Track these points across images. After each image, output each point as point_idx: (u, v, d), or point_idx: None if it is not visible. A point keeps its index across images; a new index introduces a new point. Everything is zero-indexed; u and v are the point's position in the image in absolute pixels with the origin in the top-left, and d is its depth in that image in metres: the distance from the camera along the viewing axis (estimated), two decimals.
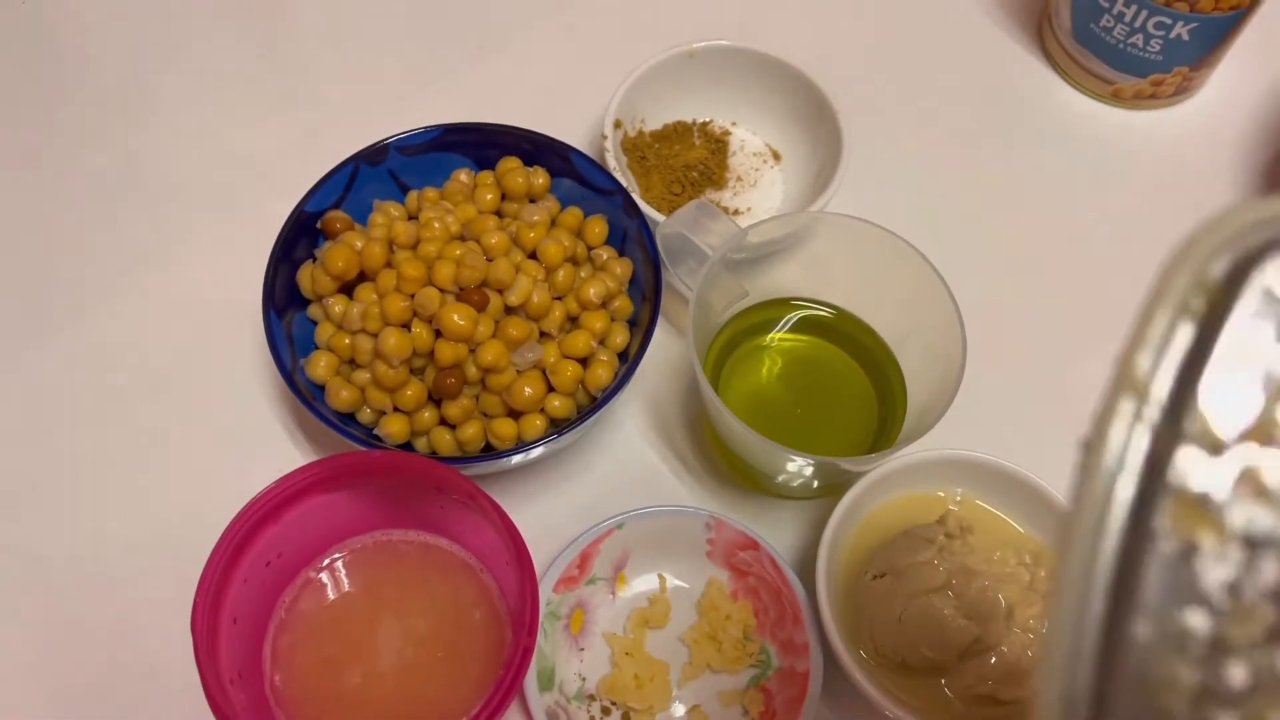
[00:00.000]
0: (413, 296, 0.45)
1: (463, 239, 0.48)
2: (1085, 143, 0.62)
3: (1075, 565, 0.13)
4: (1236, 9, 0.56)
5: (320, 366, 0.46)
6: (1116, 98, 0.63)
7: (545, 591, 0.46)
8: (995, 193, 0.61)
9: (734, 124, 0.60)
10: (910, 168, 0.61)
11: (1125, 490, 0.13)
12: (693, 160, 0.57)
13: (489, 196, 0.50)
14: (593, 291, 0.47)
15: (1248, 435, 0.12)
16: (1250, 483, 0.12)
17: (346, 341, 0.46)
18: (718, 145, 0.58)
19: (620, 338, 0.48)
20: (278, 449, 0.51)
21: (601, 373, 0.47)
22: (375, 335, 0.45)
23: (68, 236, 0.57)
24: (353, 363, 0.47)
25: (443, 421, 0.46)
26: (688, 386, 0.54)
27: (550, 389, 0.47)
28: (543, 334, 0.47)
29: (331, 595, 0.45)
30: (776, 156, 0.59)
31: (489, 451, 0.46)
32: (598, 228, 0.50)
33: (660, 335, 0.54)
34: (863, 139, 0.55)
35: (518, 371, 0.46)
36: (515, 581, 0.42)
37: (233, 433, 0.52)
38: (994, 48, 0.66)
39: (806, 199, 0.55)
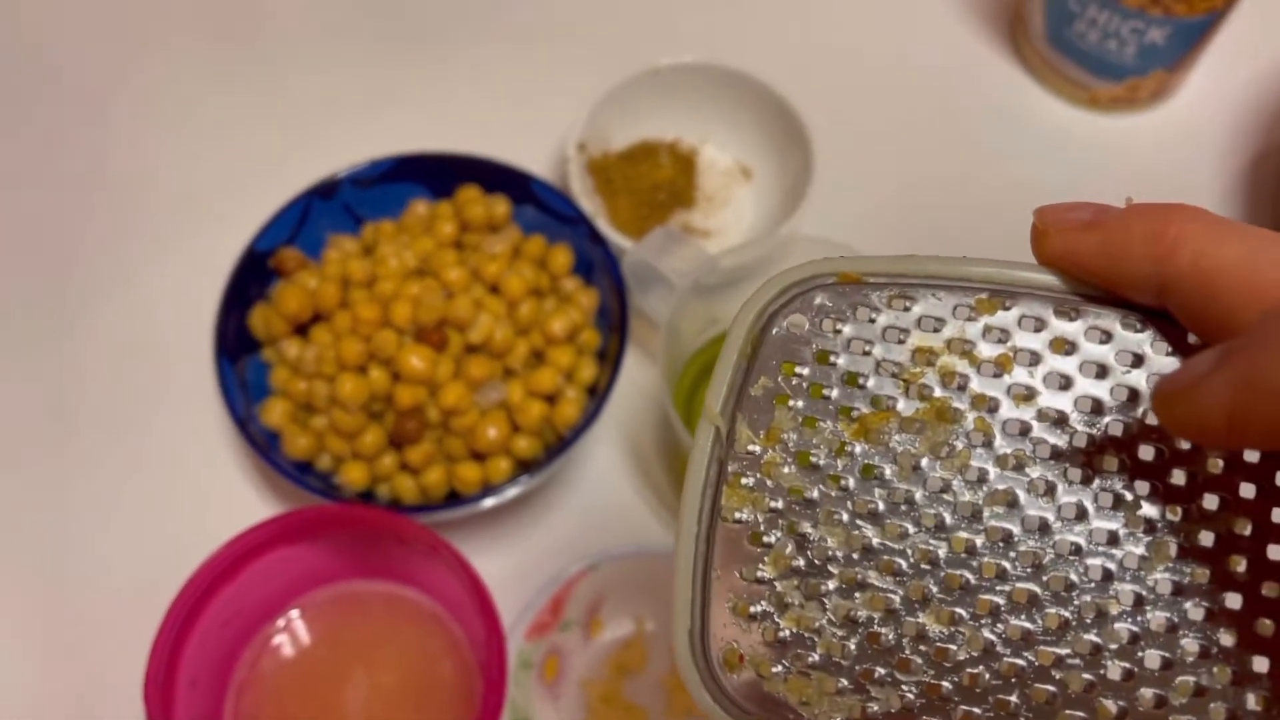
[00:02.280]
0: (369, 339, 0.43)
1: (421, 274, 0.46)
2: (1064, 149, 0.61)
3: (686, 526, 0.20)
4: (1211, 12, 0.54)
5: (276, 413, 0.44)
6: (1093, 103, 0.61)
7: (517, 639, 0.44)
8: (974, 204, 0.59)
9: (703, 142, 0.58)
10: (884, 181, 0.59)
11: (707, 484, 0.20)
12: (661, 180, 0.56)
13: (448, 229, 0.48)
14: (558, 326, 0.46)
15: (766, 438, 0.20)
16: (767, 469, 0.20)
17: (303, 386, 0.44)
18: (686, 164, 0.57)
19: (588, 372, 0.47)
20: (236, 497, 0.49)
21: (569, 410, 0.45)
22: (332, 379, 0.43)
23: (7, 274, 0.55)
24: (309, 408, 0.45)
25: (404, 467, 0.45)
26: (662, 416, 0.53)
27: (516, 429, 0.45)
28: (506, 371, 0.46)
29: (295, 652, 0.44)
30: (746, 174, 0.57)
31: (454, 497, 0.45)
32: (562, 257, 0.48)
33: (631, 362, 0.52)
34: (834, 153, 0.53)
35: (481, 412, 0.44)
36: (483, 633, 0.40)
37: (187, 482, 0.50)
38: (968, 55, 0.64)
39: (779, 216, 0.54)
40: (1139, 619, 0.19)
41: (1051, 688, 0.19)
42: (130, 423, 0.51)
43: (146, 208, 0.57)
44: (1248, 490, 0.19)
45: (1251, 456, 0.19)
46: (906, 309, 0.21)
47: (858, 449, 0.20)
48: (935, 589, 0.20)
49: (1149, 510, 0.19)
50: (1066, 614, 0.19)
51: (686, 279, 0.45)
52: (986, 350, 0.20)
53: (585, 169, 0.54)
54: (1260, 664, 0.18)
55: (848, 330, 0.21)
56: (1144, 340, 0.20)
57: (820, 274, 0.21)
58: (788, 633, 0.20)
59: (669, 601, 0.20)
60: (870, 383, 0.20)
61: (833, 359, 0.21)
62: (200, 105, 0.60)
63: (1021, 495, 0.20)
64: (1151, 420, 0.19)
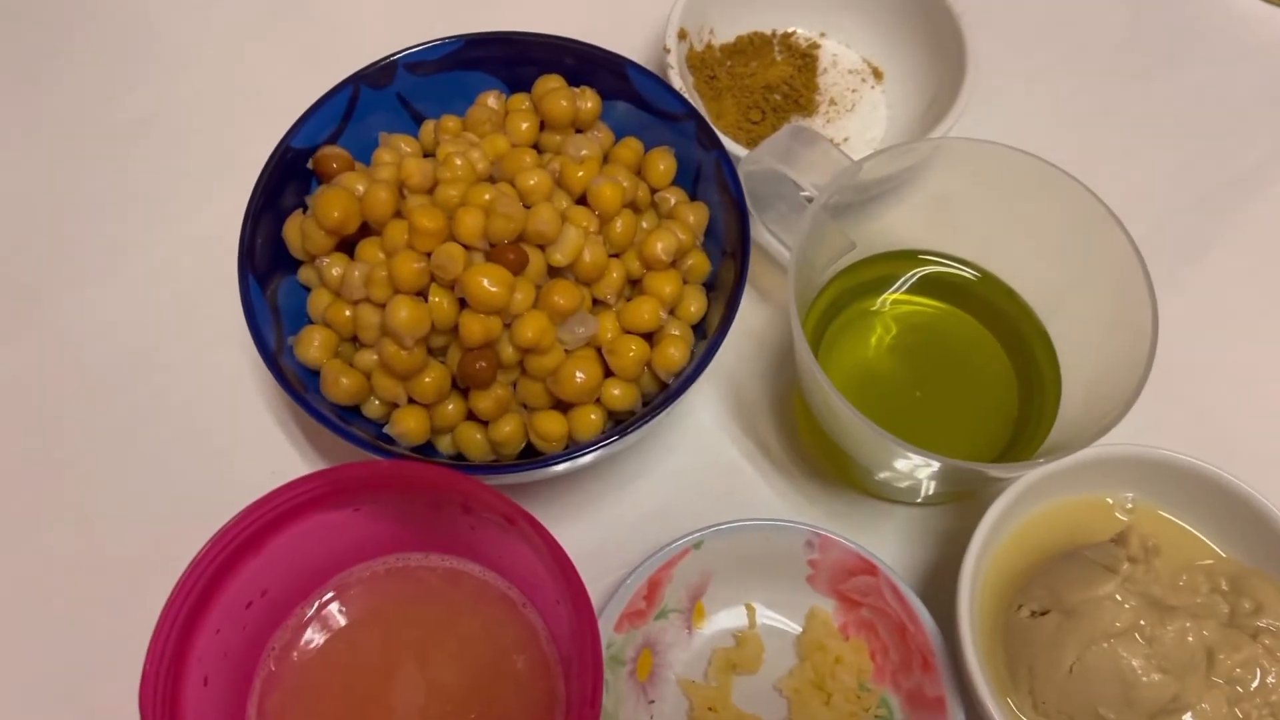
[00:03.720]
0: (430, 255, 0.35)
1: (493, 180, 0.38)
2: (1260, 54, 0.52)
3: None
4: None
5: (313, 347, 0.37)
6: None
7: (605, 631, 0.37)
8: (1155, 118, 0.51)
9: (823, 35, 0.51)
10: (1048, 90, 0.52)
11: None
12: (774, 80, 0.48)
13: (524, 126, 0.41)
14: (660, 246, 0.38)
15: None
16: None
17: (347, 314, 0.37)
18: (804, 61, 0.49)
19: (695, 305, 0.39)
20: (270, 454, 0.42)
21: (673, 352, 0.37)
22: (383, 306, 0.36)
23: (23, 201, 0.47)
24: (355, 341, 0.38)
25: (471, 416, 0.37)
26: (775, 364, 0.44)
27: (608, 373, 0.37)
28: (596, 302, 0.38)
29: (333, 641, 0.36)
30: (877, 75, 0.49)
31: (530, 456, 0.37)
32: (663, 164, 0.41)
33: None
34: (989, 52, 0.45)
35: (566, 351, 0.37)
36: (569, 623, 0.32)
37: (214, 436, 0.42)
38: None
39: (919, 127, 0.46)
40: None
41: None
42: (154, 362, 0.44)
43: (176, 105, 0.49)
44: None
45: None
46: None
47: None
48: None
49: None
50: None
51: (822, 194, 0.37)
52: None
53: (685, 62, 0.46)
54: None
55: None
56: None
57: None
58: None
59: None
60: None
61: None
62: None
63: None
64: None
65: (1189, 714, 0.34)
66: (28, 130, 0.49)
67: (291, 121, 0.40)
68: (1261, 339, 0.46)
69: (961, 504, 0.42)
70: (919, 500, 0.42)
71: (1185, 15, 0.53)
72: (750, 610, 0.39)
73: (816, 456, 0.43)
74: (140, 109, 0.49)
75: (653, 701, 0.38)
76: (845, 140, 0.47)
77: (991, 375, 0.41)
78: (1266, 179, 0.49)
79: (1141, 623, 0.34)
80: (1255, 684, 0.35)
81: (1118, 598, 0.34)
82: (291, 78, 0.45)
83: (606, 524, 0.41)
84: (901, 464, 0.37)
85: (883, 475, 0.40)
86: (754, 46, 0.49)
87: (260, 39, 0.51)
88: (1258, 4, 0.53)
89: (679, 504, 0.41)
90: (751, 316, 0.45)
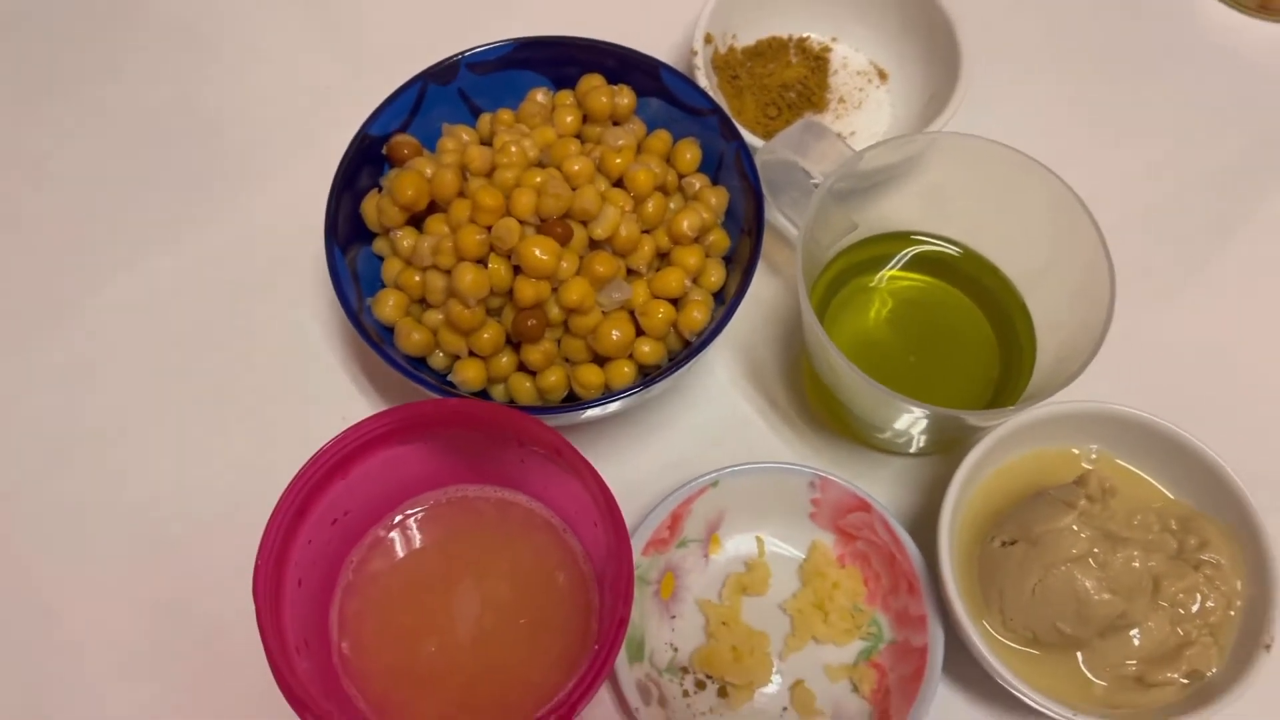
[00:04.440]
0: (489, 229, 0.41)
1: (542, 165, 0.43)
2: (1232, 60, 0.56)
3: None
4: None
5: (389, 306, 0.42)
6: (1265, 10, 0.56)
7: (634, 554, 0.41)
8: (1132, 117, 0.55)
9: (834, 40, 0.54)
10: (1036, 90, 0.55)
11: None
12: (790, 80, 0.52)
13: (569, 119, 0.45)
14: (686, 224, 0.43)
15: None
16: None
17: (417, 279, 0.42)
18: (817, 63, 0.53)
19: (715, 275, 0.44)
20: (343, 400, 0.47)
21: (696, 314, 0.42)
22: (448, 272, 0.41)
23: (122, 178, 0.53)
24: (424, 303, 0.42)
25: (522, 368, 0.42)
26: (784, 331, 0.49)
27: (639, 333, 0.42)
28: (630, 272, 0.43)
29: (403, 556, 0.42)
30: (883, 75, 0.54)
31: (571, 401, 0.42)
32: (689, 153, 0.45)
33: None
34: (982, 56, 0.49)
35: (604, 313, 0.41)
36: (605, 544, 0.38)
37: (295, 382, 0.48)
38: None
39: (918, 123, 0.50)
40: None
41: None
42: (242, 321, 0.49)
43: (260, 101, 0.55)
44: None
45: None
46: None
47: None
48: None
49: None
50: None
51: (828, 180, 0.42)
52: None
53: (710, 64, 0.50)
54: None
55: None
56: None
57: None
58: None
59: None
60: None
61: None
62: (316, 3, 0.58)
63: None
64: None
65: (1136, 630, 0.40)
66: (136, 118, 0.55)
67: (365, 116, 0.45)
68: (1216, 313, 0.50)
69: (948, 455, 0.47)
70: (911, 451, 0.47)
71: (1162, 22, 0.57)
72: (760, 541, 0.44)
73: (821, 413, 0.48)
74: (235, 105, 0.55)
75: (674, 617, 0.43)
76: (852, 134, 0.52)
77: (976, 341, 0.46)
78: (1235, 174, 0.53)
79: (1095, 550, 0.39)
80: (1196, 607, 0.40)
81: (1075, 528, 0.39)
82: (365, 78, 0.51)
83: (636, 467, 0.46)
84: (895, 416, 0.42)
85: (879, 428, 0.45)
86: (772, 50, 0.53)
87: (336, 42, 0.57)
88: (1231, 13, 0.57)
89: (699, 452, 0.46)
90: (765, 289, 0.50)
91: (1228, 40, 0.57)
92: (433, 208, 0.43)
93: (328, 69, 0.56)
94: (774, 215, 0.48)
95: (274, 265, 0.50)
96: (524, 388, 0.42)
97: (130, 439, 0.47)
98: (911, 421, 0.43)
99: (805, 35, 0.54)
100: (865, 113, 0.53)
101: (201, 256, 0.51)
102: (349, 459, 0.39)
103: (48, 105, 0.55)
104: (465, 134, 0.45)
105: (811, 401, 0.48)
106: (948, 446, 0.47)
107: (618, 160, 0.43)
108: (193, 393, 0.48)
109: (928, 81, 0.51)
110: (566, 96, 0.46)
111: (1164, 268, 0.51)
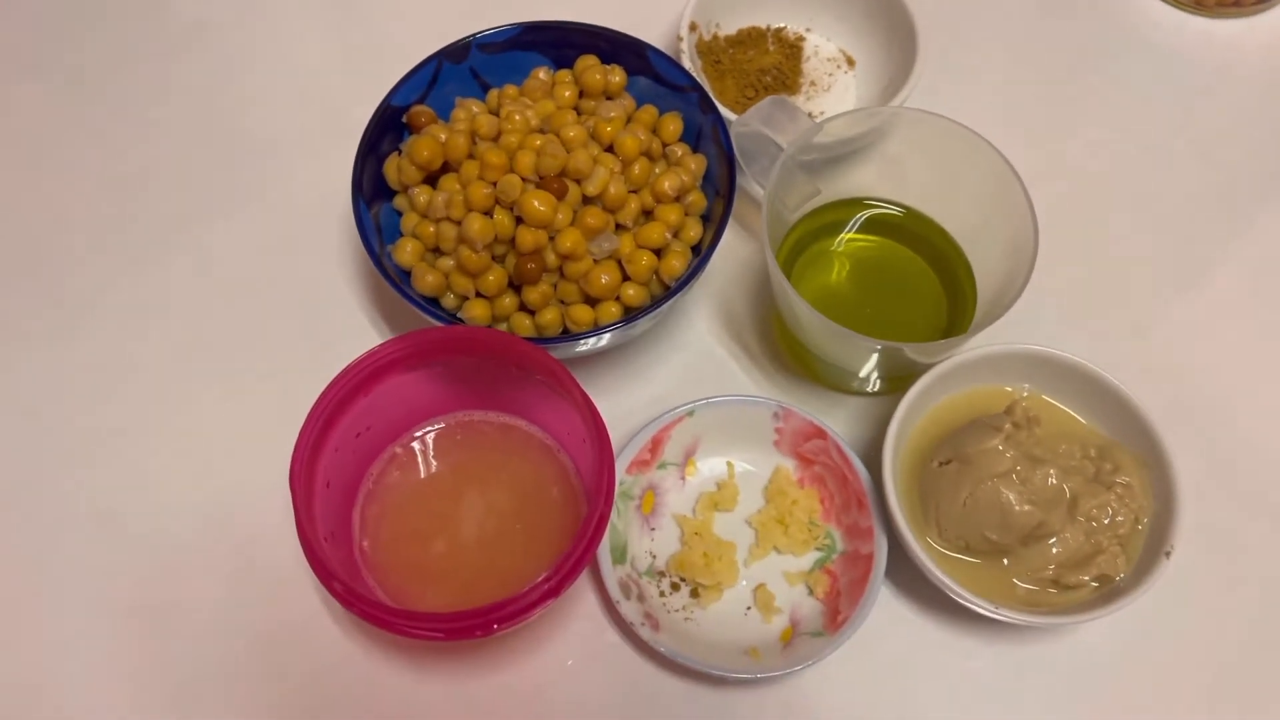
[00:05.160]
0: (495, 185, 0.46)
1: (542, 132, 0.49)
2: (1166, 53, 0.61)
3: None
4: None
5: (407, 252, 0.48)
6: (1199, 5, 0.62)
7: (618, 472, 0.47)
8: (1071, 104, 0.60)
9: (808, 30, 0.60)
10: (985, 78, 0.61)
11: None
12: (766, 65, 0.58)
13: (567, 93, 0.51)
14: (668, 184, 0.48)
15: None
16: None
17: (431, 229, 0.48)
18: (791, 51, 0.59)
19: (693, 231, 0.49)
20: (364, 338, 0.53)
21: (675, 262, 0.48)
22: (459, 222, 0.47)
23: (162, 156, 0.59)
24: (437, 250, 0.48)
25: (522, 308, 0.48)
26: (757, 286, 0.55)
27: (625, 278, 0.48)
28: (618, 226, 0.48)
29: (416, 471, 0.47)
30: (850, 62, 0.59)
31: (566, 334, 0.48)
32: (673, 125, 0.51)
33: (730, 238, 0.55)
34: (938, 46, 0.55)
35: (594, 260, 0.47)
36: (592, 458, 0.43)
37: (321, 323, 0.54)
38: None
39: (878, 103, 0.55)
40: None
41: None
42: (276, 274, 0.55)
43: (287, 80, 0.61)
44: None
45: None
46: None
47: None
48: None
49: None
50: None
51: (791, 147, 0.48)
52: None
53: (695, 49, 0.56)
54: None
55: None
56: None
57: None
58: None
59: None
60: None
61: None
62: None
63: None
64: None
65: (1054, 539, 0.45)
66: (178, 102, 0.61)
67: (386, 90, 0.51)
68: (1140, 272, 0.56)
69: (898, 395, 0.52)
70: (868, 390, 0.52)
71: (1102, 17, 0.62)
72: (730, 465, 0.50)
73: (788, 358, 0.54)
74: (263, 84, 0.61)
75: (653, 529, 0.49)
76: (822, 113, 0.57)
77: (924, 294, 0.51)
78: (1166, 153, 0.59)
79: (1018, 468, 0.45)
80: (1107, 521, 0.45)
81: (1000, 449, 0.45)
82: (383, 59, 0.57)
83: (621, 401, 0.51)
84: (851, 354, 0.48)
85: (839, 367, 0.51)
86: (751, 38, 0.58)
87: (360, 29, 0.63)
88: (1170, 10, 0.63)
89: (678, 388, 0.52)
90: (740, 248, 0.55)
91: (1164, 37, 0.62)
92: (445, 169, 0.49)
93: (354, 53, 0.62)
94: (747, 182, 0.53)
95: (308, 225, 0.56)
96: (524, 324, 0.48)
97: (177, 373, 0.53)
98: (866, 358, 0.48)
99: (782, 25, 0.60)
100: (833, 95, 0.58)
101: (249, 221, 0.57)
102: (371, 378, 0.44)
103: (79, 90, 0.61)
104: (475, 106, 0.51)
105: (780, 347, 0.54)
106: (900, 384, 0.52)
107: (608, 129, 0.49)
108: (235, 335, 0.54)
109: (888, 67, 0.56)
110: (565, 74, 0.52)
111: (1101, 236, 0.56)
